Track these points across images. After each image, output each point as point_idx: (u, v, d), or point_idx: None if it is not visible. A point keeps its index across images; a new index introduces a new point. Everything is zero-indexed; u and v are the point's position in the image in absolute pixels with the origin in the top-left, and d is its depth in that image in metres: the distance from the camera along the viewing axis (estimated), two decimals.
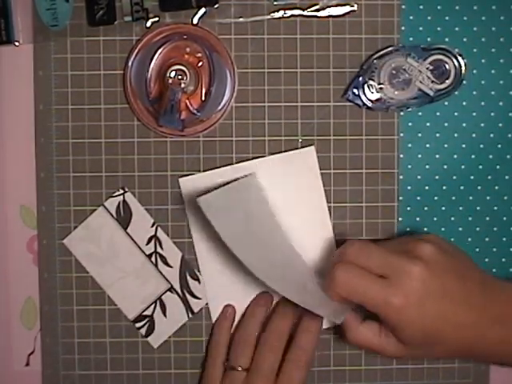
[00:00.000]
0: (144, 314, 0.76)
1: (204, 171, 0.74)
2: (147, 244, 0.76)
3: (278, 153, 0.74)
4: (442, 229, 0.75)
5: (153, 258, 0.76)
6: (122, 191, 0.75)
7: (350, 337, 0.69)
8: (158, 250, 0.75)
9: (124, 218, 0.75)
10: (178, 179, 0.74)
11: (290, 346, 0.72)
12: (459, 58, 0.72)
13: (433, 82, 0.72)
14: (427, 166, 0.75)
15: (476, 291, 0.67)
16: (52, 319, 0.76)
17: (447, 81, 0.72)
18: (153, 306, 0.76)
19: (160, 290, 0.76)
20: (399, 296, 0.65)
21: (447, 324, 0.66)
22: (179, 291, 0.76)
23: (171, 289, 0.76)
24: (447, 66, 0.72)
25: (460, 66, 0.72)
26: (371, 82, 0.73)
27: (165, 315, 0.76)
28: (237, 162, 0.74)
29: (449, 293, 0.66)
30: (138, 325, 0.76)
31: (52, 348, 0.76)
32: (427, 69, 0.72)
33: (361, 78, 0.73)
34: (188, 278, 0.76)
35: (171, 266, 0.76)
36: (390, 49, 0.73)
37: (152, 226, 0.75)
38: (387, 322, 0.66)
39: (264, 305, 0.75)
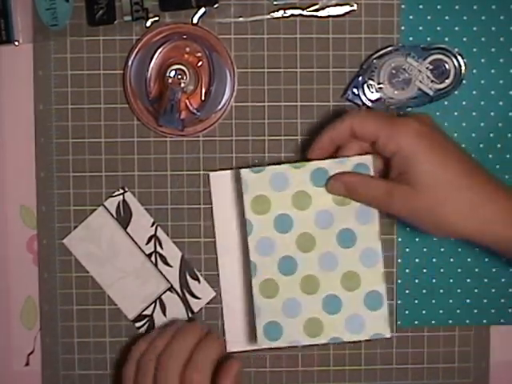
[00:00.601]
0: (144, 313, 0.76)
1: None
2: (147, 244, 0.76)
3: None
4: None
5: (153, 258, 0.76)
6: (121, 191, 0.75)
7: (361, 189, 0.67)
8: (158, 249, 0.76)
9: (124, 217, 0.75)
10: (209, 174, 0.74)
11: None
12: (459, 58, 0.72)
13: (432, 81, 0.72)
14: None
15: (471, 159, 0.66)
16: (52, 319, 0.76)
17: (447, 80, 0.72)
18: (153, 306, 0.76)
19: (160, 290, 0.76)
20: (411, 125, 0.64)
21: (457, 171, 0.64)
22: (179, 291, 0.76)
23: (171, 288, 0.76)
24: (447, 66, 0.72)
25: (460, 66, 0.72)
26: (371, 82, 0.73)
27: (164, 315, 0.76)
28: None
29: (447, 146, 0.65)
30: (138, 324, 0.76)
31: (52, 348, 0.76)
32: (427, 68, 0.72)
33: (360, 78, 0.73)
34: (188, 277, 0.76)
35: (171, 266, 0.76)
36: (389, 48, 0.73)
37: (152, 225, 0.75)
38: (400, 156, 0.64)
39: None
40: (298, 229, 0.70)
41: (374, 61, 0.73)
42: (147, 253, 0.76)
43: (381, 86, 0.73)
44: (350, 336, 0.70)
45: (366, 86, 0.73)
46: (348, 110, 0.72)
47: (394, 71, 0.73)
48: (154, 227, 0.75)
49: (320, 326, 0.70)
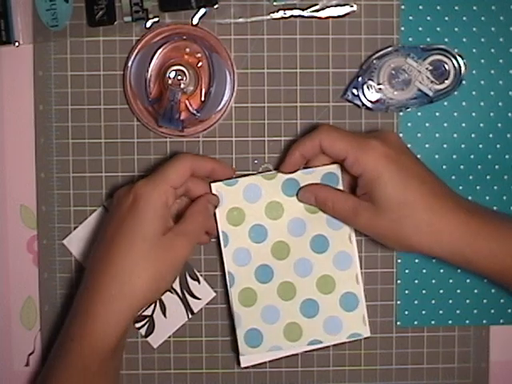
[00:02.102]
0: (144, 314, 0.76)
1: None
2: None
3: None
4: None
5: None
6: None
7: (329, 203, 0.70)
8: None
9: None
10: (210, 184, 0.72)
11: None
12: (458, 59, 0.72)
13: (432, 82, 0.72)
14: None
15: (436, 180, 0.69)
16: (52, 319, 0.76)
17: (446, 81, 0.72)
18: (152, 306, 0.76)
19: None
20: (374, 148, 0.67)
21: (418, 191, 0.66)
22: (179, 291, 0.76)
23: (171, 289, 0.76)
24: (446, 67, 0.72)
25: (459, 67, 0.72)
26: (370, 83, 0.73)
27: (164, 315, 0.76)
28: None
29: (412, 168, 0.68)
30: (138, 325, 0.76)
31: (52, 348, 0.76)
32: (426, 69, 0.72)
33: (360, 79, 0.73)
34: (188, 278, 0.76)
35: None
36: (389, 49, 0.73)
37: None
38: (365, 173, 0.67)
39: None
40: (272, 238, 0.72)
41: (374, 61, 0.73)
42: None
43: (380, 86, 0.73)
44: (329, 337, 0.72)
45: (365, 86, 0.73)
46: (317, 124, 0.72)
47: (393, 72, 0.73)
48: None
49: (299, 330, 0.72)
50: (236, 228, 0.72)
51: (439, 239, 0.66)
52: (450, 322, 0.76)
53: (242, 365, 0.73)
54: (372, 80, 0.73)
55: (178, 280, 0.76)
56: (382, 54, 0.73)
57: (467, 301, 0.76)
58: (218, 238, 0.73)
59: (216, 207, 0.72)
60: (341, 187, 0.71)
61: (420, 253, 0.68)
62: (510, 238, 0.66)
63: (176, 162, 0.68)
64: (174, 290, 0.76)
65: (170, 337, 0.76)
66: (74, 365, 0.66)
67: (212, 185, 0.71)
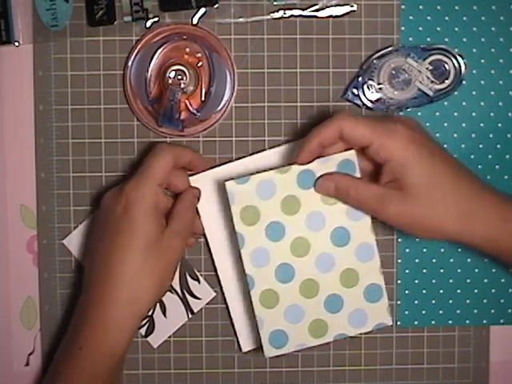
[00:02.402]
0: None
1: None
2: None
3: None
4: None
5: None
6: None
7: (353, 193, 0.66)
8: None
9: None
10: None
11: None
12: (459, 58, 0.72)
13: (432, 82, 0.72)
14: None
15: (459, 163, 0.67)
16: (52, 319, 0.76)
17: (447, 81, 0.72)
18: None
19: None
20: (401, 130, 0.64)
21: (446, 174, 0.65)
22: (179, 291, 0.76)
23: (171, 289, 0.76)
24: (447, 66, 0.72)
25: (460, 66, 0.72)
26: (371, 82, 0.73)
27: (165, 315, 0.76)
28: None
29: (437, 151, 0.66)
30: None
31: (52, 348, 0.76)
32: (427, 69, 0.72)
33: (360, 78, 0.73)
34: (188, 278, 0.76)
35: None
36: (389, 49, 0.73)
37: None
38: (392, 163, 0.64)
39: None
40: (290, 234, 0.69)
41: (374, 61, 0.73)
42: None
43: (381, 86, 0.73)
44: (354, 330, 0.70)
45: (365, 86, 0.73)
46: (334, 112, 0.72)
47: (393, 72, 0.73)
48: None
49: (324, 326, 0.70)
50: (252, 227, 0.69)
51: (472, 224, 0.64)
52: (450, 321, 0.76)
53: (267, 356, 0.70)
54: (372, 80, 0.73)
55: (178, 280, 0.76)
56: (382, 54, 0.73)
57: (467, 301, 0.76)
58: (205, 237, 0.74)
59: (198, 200, 0.72)
60: (358, 175, 0.67)
61: (450, 240, 0.66)
62: None
63: (159, 156, 0.68)
64: (174, 290, 0.76)
65: (170, 337, 0.76)
66: (83, 373, 0.66)
67: (226, 183, 0.68)
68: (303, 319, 0.70)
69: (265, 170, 0.68)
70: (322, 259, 0.69)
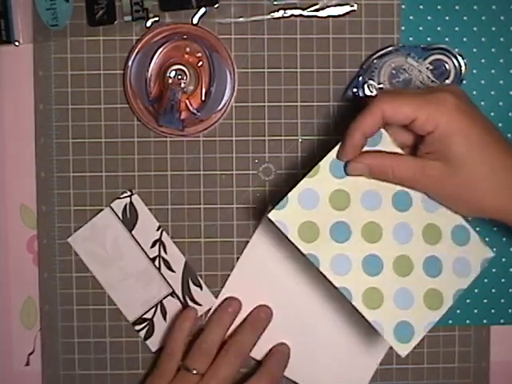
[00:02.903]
0: (144, 317, 0.76)
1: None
2: (151, 247, 0.75)
3: None
4: None
5: (156, 262, 0.75)
6: (129, 193, 0.75)
7: (389, 170, 0.63)
8: (162, 254, 0.75)
9: (130, 220, 0.75)
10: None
11: (259, 367, 0.73)
12: (459, 58, 0.72)
13: (433, 81, 0.72)
14: None
15: (505, 139, 0.63)
16: (52, 319, 0.76)
17: (447, 81, 0.72)
18: (153, 310, 0.76)
19: (161, 294, 0.76)
20: (445, 98, 0.61)
21: (493, 148, 0.61)
22: (180, 296, 0.76)
23: (173, 294, 0.76)
24: (447, 66, 0.72)
25: (460, 66, 0.72)
26: (371, 82, 0.73)
27: (165, 319, 0.76)
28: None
29: (485, 123, 0.62)
30: (138, 327, 0.76)
31: (52, 348, 0.76)
32: (427, 68, 0.72)
33: (361, 78, 0.73)
34: (190, 283, 0.76)
35: (174, 271, 0.76)
36: (389, 49, 0.73)
37: (157, 229, 0.75)
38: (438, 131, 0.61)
39: (232, 313, 0.74)
40: (356, 226, 0.65)
41: (374, 61, 0.73)
42: (151, 257, 0.75)
43: (381, 86, 0.73)
44: (466, 280, 0.66)
45: (366, 86, 0.73)
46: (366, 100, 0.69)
47: (394, 71, 0.73)
48: (160, 231, 0.75)
49: (438, 294, 0.66)
50: (317, 242, 0.64)
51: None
52: (450, 321, 0.76)
53: (403, 354, 0.65)
54: (372, 79, 0.73)
55: (180, 285, 0.75)
56: (382, 54, 0.73)
57: (467, 301, 0.76)
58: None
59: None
60: (391, 146, 0.64)
61: (490, 217, 0.63)
62: None
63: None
64: (176, 295, 0.76)
65: None
66: None
67: (268, 216, 0.64)
68: (415, 299, 0.65)
69: (294, 185, 0.65)
70: (397, 232, 0.65)
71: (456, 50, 0.73)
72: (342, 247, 0.65)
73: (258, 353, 0.75)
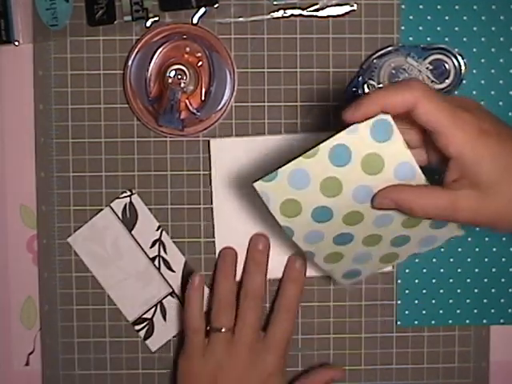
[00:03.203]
0: (144, 316, 0.76)
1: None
2: (151, 247, 0.75)
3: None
4: None
5: (156, 262, 0.75)
6: (129, 193, 0.75)
7: (417, 207, 0.59)
8: (162, 253, 0.75)
9: (130, 220, 0.75)
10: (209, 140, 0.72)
11: (277, 296, 0.74)
12: (459, 58, 0.72)
13: (432, 81, 0.72)
14: None
15: None
16: (52, 319, 0.76)
17: (447, 80, 0.72)
18: (153, 310, 0.76)
19: (161, 294, 0.76)
20: (465, 126, 0.57)
21: None
22: (180, 296, 0.76)
23: (172, 293, 0.76)
24: (447, 66, 0.72)
25: (460, 66, 0.72)
26: (371, 82, 0.73)
27: (164, 319, 0.76)
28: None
29: (507, 138, 0.58)
30: (138, 327, 0.76)
31: (52, 348, 0.76)
32: (427, 68, 0.72)
33: (360, 78, 0.73)
34: None
35: (174, 271, 0.76)
36: (389, 48, 0.73)
37: (157, 229, 0.75)
38: (459, 160, 0.57)
39: (231, 261, 0.75)
40: (340, 212, 0.63)
41: (374, 61, 0.73)
42: (151, 256, 0.75)
43: (381, 85, 0.73)
44: (425, 249, 0.67)
45: (366, 86, 0.73)
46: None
47: (393, 71, 0.73)
48: (159, 231, 0.75)
49: (394, 256, 0.67)
50: (296, 218, 0.63)
51: None
52: (450, 321, 0.76)
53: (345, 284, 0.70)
54: (372, 79, 0.73)
55: (179, 285, 0.76)
56: (382, 54, 0.73)
57: (467, 301, 0.76)
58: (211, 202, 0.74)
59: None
60: (398, 136, 0.59)
61: None
62: None
63: None
64: (176, 295, 0.76)
65: (169, 340, 0.76)
66: None
67: (254, 185, 0.62)
68: (373, 259, 0.67)
69: (289, 160, 0.61)
70: (378, 220, 0.64)
71: (456, 49, 0.73)
72: (319, 226, 0.64)
73: (276, 272, 0.76)
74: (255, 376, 0.72)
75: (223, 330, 0.72)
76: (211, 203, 0.75)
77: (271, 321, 0.74)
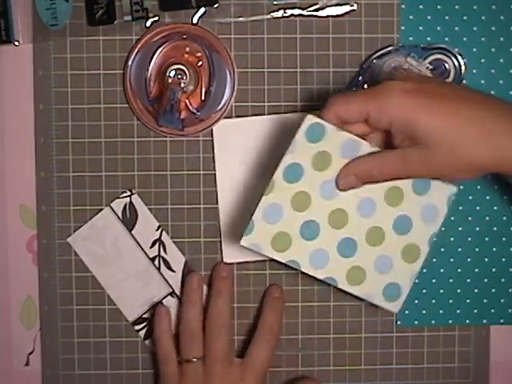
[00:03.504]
0: (144, 316, 0.76)
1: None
2: (151, 247, 0.75)
3: None
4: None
5: (156, 262, 0.75)
6: (129, 193, 0.75)
7: (375, 171, 0.63)
8: (162, 253, 0.75)
9: (130, 219, 0.75)
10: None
11: (258, 325, 0.74)
12: (459, 58, 0.72)
13: None
14: None
15: (470, 92, 0.63)
16: (52, 319, 0.76)
17: (447, 80, 0.72)
18: (153, 310, 0.76)
19: (161, 294, 0.76)
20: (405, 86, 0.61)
21: (455, 115, 0.60)
22: (180, 296, 0.76)
23: (172, 293, 0.76)
24: (447, 66, 0.72)
25: (460, 66, 0.72)
26: (371, 82, 0.73)
27: None
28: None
29: (440, 92, 0.61)
30: (138, 327, 0.76)
31: (52, 348, 0.76)
32: (427, 68, 0.72)
33: (360, 78, 0.73)
34: None
35: (174, 271, 0.76)
36: (389, 48, 0.73)
37: (157, 229, 0.75)
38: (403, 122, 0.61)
39: (198, 287, 0.74)
40: (323, 219, 0.66)
41: (374, 61, 0.73)
42: (151, 256, 0.75)
43: None
44: (436, 224, 0.67)
45: (366, 86, 0.73)
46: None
47: (394, 71, 0.72)
48: (159, 231, 0.75)
49: (414, 248, 0.67)
50: (292, 247, 0.66)
51: (500, 154, 0.60)
52: (450, 321, 0.76)
53: (395, 311, 0.68)
54: (373, 79, 0.73)
55: (179, 285, 0.76)
56: (382, 54, 0.73)
57: (467, 301, 0.76)
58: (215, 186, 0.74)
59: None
60: (330, 127, 0.64)
61: (488, 171, 0.62)
62: None
63: None
64: (176, 295, 0.76)
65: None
66: None
67: (241, 243, 0.66)
68: (393, 260, 0.67)
69: (257, 204, 0.66)
70: (361, 208, 0.66)
71: (456, 49, 0.73)
72: (315, 243, 0.66)
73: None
74: None
75: (194, 360, 0.72)
76: (215, 185, 0.75)
77: (250, 347, 0.73)
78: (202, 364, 0.72)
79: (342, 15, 0.74)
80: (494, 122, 0.60)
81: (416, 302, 0.76)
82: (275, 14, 0.73)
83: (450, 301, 0.76)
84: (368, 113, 0.61)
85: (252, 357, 0.73)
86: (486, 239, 0.75)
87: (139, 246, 0.75)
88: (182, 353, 0.73)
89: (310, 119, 0.64)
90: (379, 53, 0.73)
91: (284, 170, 0.65)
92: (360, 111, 0.62)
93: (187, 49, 0.72)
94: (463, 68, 0.72)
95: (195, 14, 0.73)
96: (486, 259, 0.76)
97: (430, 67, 0.72)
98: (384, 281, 0.67)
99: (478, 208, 0.75)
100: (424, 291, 0.76)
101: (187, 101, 0.72)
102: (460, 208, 0.75)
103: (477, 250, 0.75)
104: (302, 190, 0.65)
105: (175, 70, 0.70)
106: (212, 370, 0.71)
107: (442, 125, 0.60)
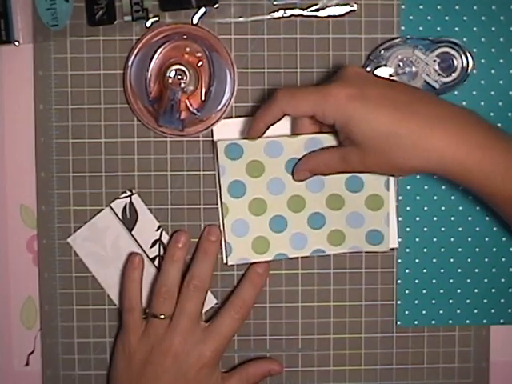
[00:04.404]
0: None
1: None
2: (151, 247, 0.75)
3: None
4: (443, 221, 0.75)
5: (156, 262, 0.75)
6: (129, 193, 0.75)
7: (322, 165, 0.70)
8: (162, 253, 0.75)
9: (130, 220, 0.75)
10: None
11: (232, 295, 0.74)
12: (467, 52, 0.72)
13: (439, 74, 0.72)
14: None
15: (403, 93, 0.66)
16: (52, 319, 0.76)
17: (453, 74, 0.72)
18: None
19: None
20: (337, 91, 0.65)
21: (389, 118, 0.64)
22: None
23: None
24: (454, 60, 0.72)
25: (467, 60, 0.72)
26: (377, 73, 0.72)
27: None
28: None
29: (380, 96, 0.65)
30: None
31: (52, 348, 0.76)
32: (434, 61, 0.72)
33: (368, 68, 0.73)
34: None
35: None
36: (397, 40, 0.72)
37: (157, 229, 0.75)
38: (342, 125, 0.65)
39: (183, 247, 0.74)
40: (283, 209, 0.73)
41: (382, 52, 0.73)
42: (151, 256, 0.75)
43: (393, 78, 0.72)
44: (335, 248, 0.74)
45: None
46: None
47: (401, 63, 0.72)
48: (159, 231, 0.75)
49: (377, 198, 0.73)
50: (272, 245, 0.74)
51: (427, 157, 0.64)
52: (450, 321, 0.76)
53: (390, 247, 0.75)
54: (379, 71, 0.72)
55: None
56: (390, 45, 0.72)
57: (467, 301, 0.76)
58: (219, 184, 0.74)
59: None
60: (245, 143, 0.71)
61: (418, 173, 0.70)
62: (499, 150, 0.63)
63: None
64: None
65: None
66: None
67: (229, 263, 0.74)
68: (360, 212, 0.74)
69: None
70: (311, 185, 0.73)
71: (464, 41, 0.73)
72: (288, 231, 0.73)
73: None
74: (187, 365, 0.71)
75: (162, 316, 0.72)
76: (215, 185, 0.75)
77: (219, 315, 0.73)
78: (169, 321, 0.72)
79: (342, 15, 0.74)
80: (430, 126, 0.64)
81: (416, 302, 0.76)
82: (275, 15, 0.73)
83: (450, 301, 0.76)
84: (313, 112, 0.66)
85: (218, 324, 0.73)
86: (486, 239, 0.75)
87: (139, 246, 0.75)
88: (152, 307, 0.72)
89: (222, 143, 0.71)
90: (387, 44, 0.72)
91: (227, 190, 0.73)
92: (305, 110, 0.66)
93: (187, 49, 0.72)
94: (471, 62, 0.72)
95: (195, 14, 0.73)
96: (486, 259, 0.76)
97: (438, 60, 0.72)
98: (362, 232, 0.73)
99: (477, 208, 0.75)
100: (424, 291, 0.76)
101: (187, 101, 0.72)
102: (460, 208, 0.75)
103: (477, 250, 0.75)
104: (252, 197, 0.73)
105: (175, 70, 0.70)
106: (176, 326, 0.72)
107: (372, 132, 0.64)
